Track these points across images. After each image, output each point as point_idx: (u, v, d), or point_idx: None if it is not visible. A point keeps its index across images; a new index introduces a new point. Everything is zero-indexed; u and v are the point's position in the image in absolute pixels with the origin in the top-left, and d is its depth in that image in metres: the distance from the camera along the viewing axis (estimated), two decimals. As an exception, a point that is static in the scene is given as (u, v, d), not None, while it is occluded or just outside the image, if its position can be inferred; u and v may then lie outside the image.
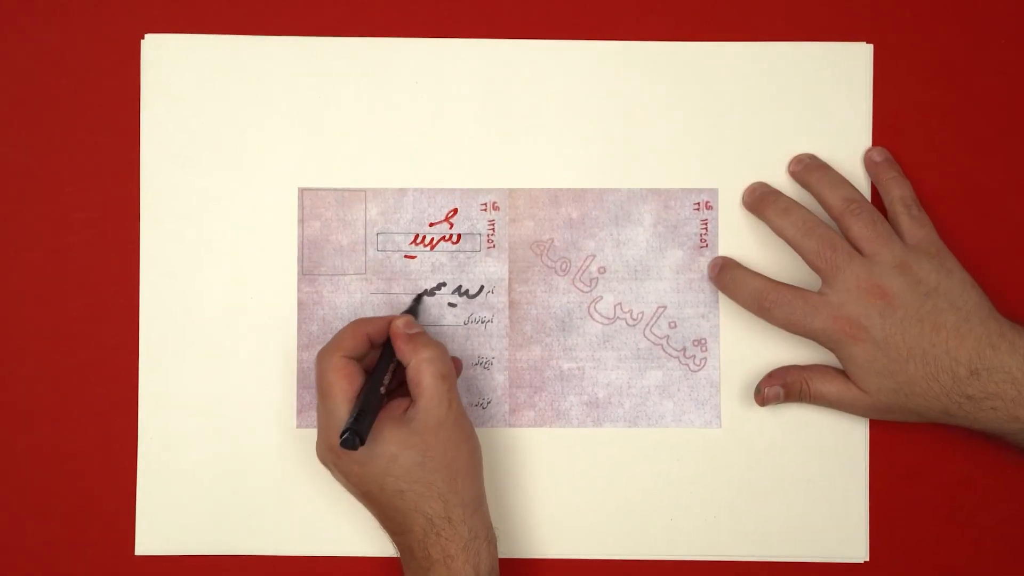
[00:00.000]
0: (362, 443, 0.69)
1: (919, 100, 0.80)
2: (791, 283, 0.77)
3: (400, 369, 0.74)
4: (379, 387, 0.72)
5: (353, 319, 0.76)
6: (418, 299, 0.78)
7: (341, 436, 0.69)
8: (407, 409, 0.72)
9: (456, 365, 0.77)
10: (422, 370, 0.72)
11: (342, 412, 0.71)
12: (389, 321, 0.74)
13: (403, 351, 0.73)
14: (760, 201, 0.78)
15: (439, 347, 0.73)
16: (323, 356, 0.73)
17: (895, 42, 0.80)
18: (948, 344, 0.73)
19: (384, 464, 0.71)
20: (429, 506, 0.71)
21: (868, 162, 0.79)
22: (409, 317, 0.75)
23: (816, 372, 0.77)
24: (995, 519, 0.80)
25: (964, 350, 0.72)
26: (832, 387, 0.76)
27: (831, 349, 0.75)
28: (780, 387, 0.77)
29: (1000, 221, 0.80)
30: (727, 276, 0.78)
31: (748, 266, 0.78)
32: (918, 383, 0.73)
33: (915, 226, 0.76)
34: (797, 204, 0.77)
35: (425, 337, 0.73)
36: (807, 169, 0.78)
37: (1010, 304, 0.79)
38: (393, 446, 0.71)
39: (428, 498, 0.71)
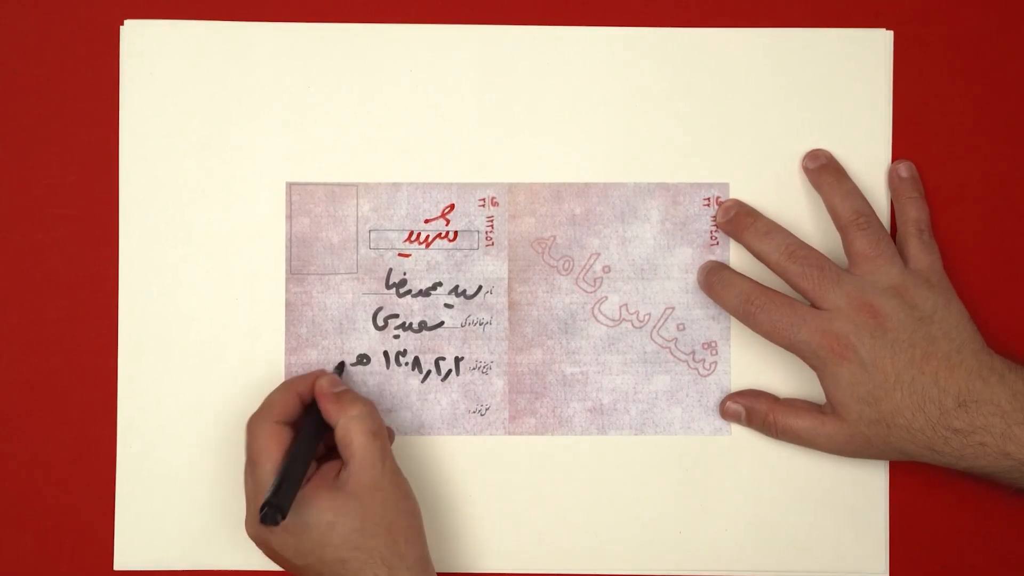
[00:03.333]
0: (283, 517, 0.67)
1: (941, 90, 0.79)
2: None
3: (330, 432, 0.73)
4: (305, 454, 0.70)
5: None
6: (340, 367, 0.77)
7: (260, 511, 0.67)
8: (340, 472, 0.71)
9: (388, 433, 0.75)
10: (351, 429, 0.71)
11: (270, 482, 0.70)
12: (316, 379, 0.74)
13: (329, 411, 0.72)
14: (736, 223, 0.77)
15: (367, 404, 0.72)
16: (252, 423, 0.72)
17: (917, 28, 0.79)
18: (937, 374, 0.71)
19: (320, 533, 0.69)
20: (373, 574, 0.69)
21: (893, 175, 0.78)
22: (333, 376, 0.74)
23: (786, 406, 0.76)
24: (1019, 532, 0.79)
25: (953, 381, 0.71)
26: (803, 422, 0.75)
27: (814, 367, 0.74)
28: (743, 408, 0.77)
29: (1027, 217, 0.80)
30: (714, 277, 0.77)
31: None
32: (903, 414, 0.71)
33: (923, 252, 0.75)
34: (777, 226, 0.76)
35: (352, 394, 0.73)
36: (822, 169, 0.77)
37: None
38: (328, 513, 0.69)
39: (371, 565, 0.69)
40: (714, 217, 0.78)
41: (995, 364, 0.72)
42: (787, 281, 0.74)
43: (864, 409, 0.72)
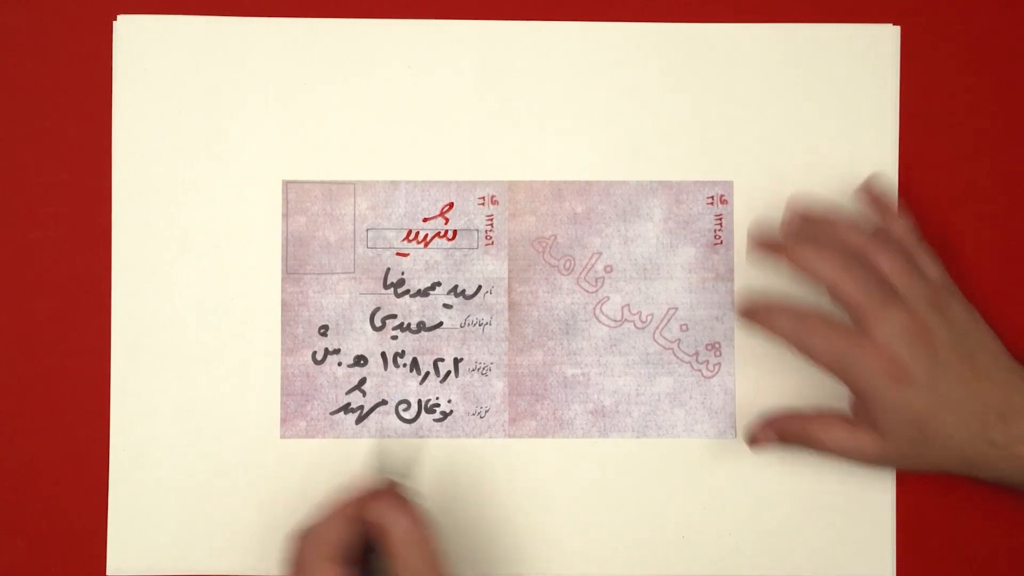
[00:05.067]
0: None
1: (949, 86, 0.79)
2: (815, 303, 0.74)
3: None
4: None
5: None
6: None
7: None
8: None
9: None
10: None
11: None
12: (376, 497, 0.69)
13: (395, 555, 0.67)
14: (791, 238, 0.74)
15: (434, 564, 0.67)
16: (310, 564, 0.67)
17: (924, 24, 0.78)
18: (981, 387, 0.70)
19: None
20: None
21: (867, 194, 0.76)
22: (411, 518, 0.68)
23: (817, 422, 0.74)
24: (1029, 535, 0.79)
25: (995, 394, 0.70)
26: (834, 435, 0.73)
27: (862, 393, 0.71)
28: (775, 434, 0.75)
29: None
30: (758, 306, 0.73)
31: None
32: (947, 431, 0.70)
33: (931, 263, 0.74)
34: (829, 241, 0.73)
35: (428, 548, 0.67)
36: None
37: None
38: None
39: None
40: (719, 216, 0.77)
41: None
42: (838, 301, 0.71)
43: (908, 430, 0.70)
